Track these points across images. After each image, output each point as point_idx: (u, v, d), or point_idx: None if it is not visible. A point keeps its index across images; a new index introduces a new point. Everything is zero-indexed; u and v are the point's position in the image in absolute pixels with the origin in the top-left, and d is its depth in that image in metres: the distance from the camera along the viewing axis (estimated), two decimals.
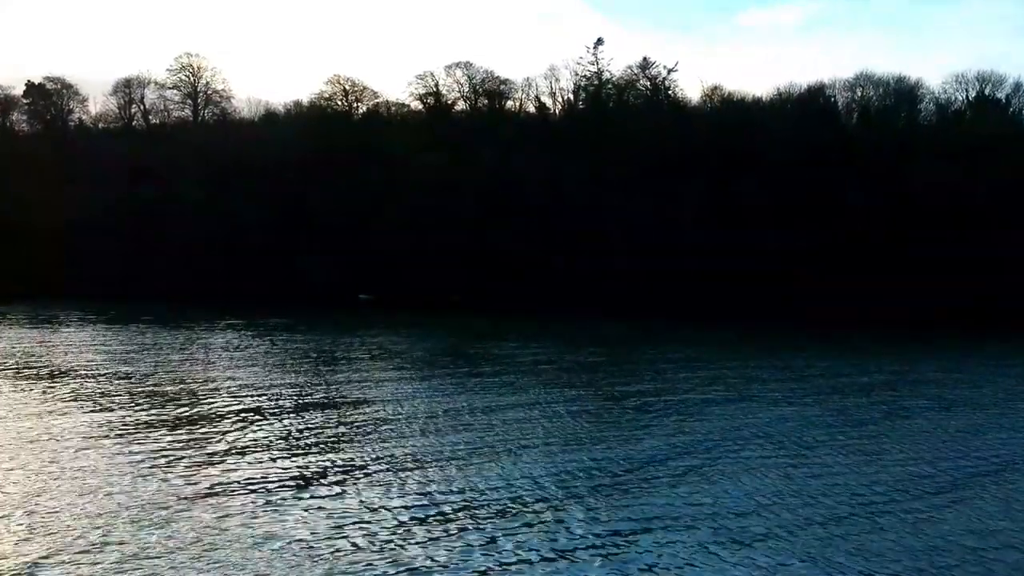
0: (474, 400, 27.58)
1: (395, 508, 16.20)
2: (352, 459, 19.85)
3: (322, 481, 17.91)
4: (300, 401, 27.36)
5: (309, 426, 23.41)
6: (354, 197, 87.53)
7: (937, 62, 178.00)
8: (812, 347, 51.62)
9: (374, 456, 20.10)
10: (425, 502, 16.61)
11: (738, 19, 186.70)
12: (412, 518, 15.63)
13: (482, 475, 18.53)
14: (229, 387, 29.68)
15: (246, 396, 27.93)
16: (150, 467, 18.44)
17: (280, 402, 26.93)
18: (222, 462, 19.09)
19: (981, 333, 64.13)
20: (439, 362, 38.97)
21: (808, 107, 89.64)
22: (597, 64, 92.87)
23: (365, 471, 18.77)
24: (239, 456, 19.73)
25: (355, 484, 17.72)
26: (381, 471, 18.79)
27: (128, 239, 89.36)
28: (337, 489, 17.33)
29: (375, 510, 16.07)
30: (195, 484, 17.20)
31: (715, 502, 16.99)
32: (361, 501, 16.52)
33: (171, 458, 19.25)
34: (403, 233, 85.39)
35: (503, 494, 17.17)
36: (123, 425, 22.65)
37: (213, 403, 26.40)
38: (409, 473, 18.62)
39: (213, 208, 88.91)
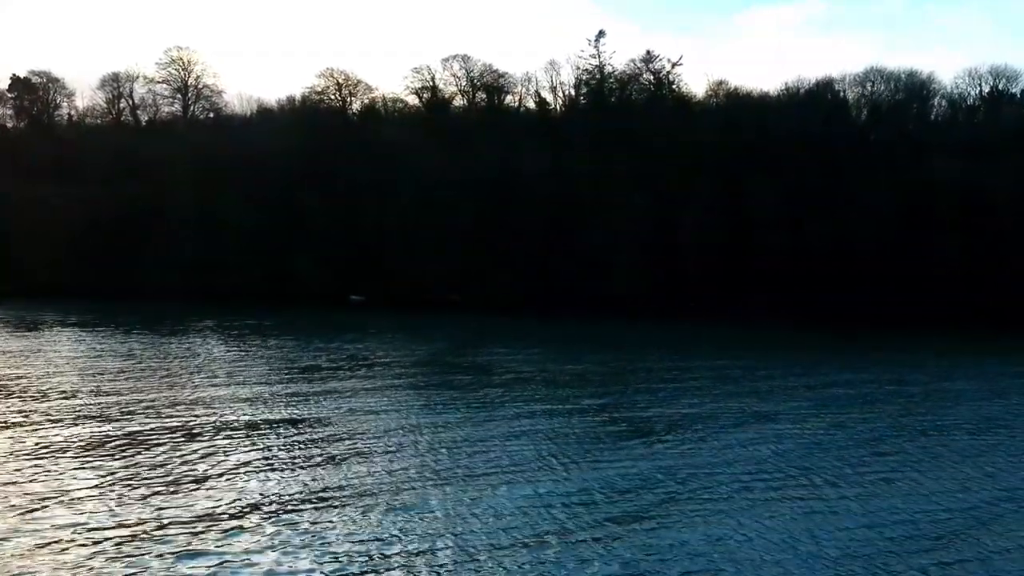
0: (466, 424, 24.24)
1: (349, 547, 13.36)
2: (306, 489, 16.97)
3: (269, 520, 15.04)
4: (266, 418, 24.40)
5: (273, 449, 20.47)
6: (347, 194, 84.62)
7: (948, 57, 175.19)
8: (829, 349, 48.76)
9: (338, 484, 17.22)
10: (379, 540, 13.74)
11: (742, 15, 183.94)
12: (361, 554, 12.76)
13: (460, 505, 15.67)
14: (194, 401, 26.76)
15: (203, 412, 24.98)
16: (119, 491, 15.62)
17: (240, 418, 23.98)
18: (168, 492, 16.25)
19: (998, 335, 61.36)
20: (426, 375, 36.03)
21: (818, 102, 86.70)
22: (599, 57, 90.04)
23: (328, 500, 15.90)
24: (182, 486, 16.87)
25: (308, 515, 14.86)
26: (349, 499, 15.92)
27: (114, 237, 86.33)
28: (282, 528, 14.47)
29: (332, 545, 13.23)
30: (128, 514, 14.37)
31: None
32: (315, 533, 13.68)
33: (112, 483, 16.42)
34: (398, 231, 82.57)
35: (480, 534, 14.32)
36: (88, 443, 19.79)
37: (170, 419, 23.49)
38: (368, 504, 15.77)
39: (202, 206, 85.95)
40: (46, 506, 15.27)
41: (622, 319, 67.73)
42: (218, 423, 22.99)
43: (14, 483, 16.62)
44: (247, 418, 23.84)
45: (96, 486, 16.59)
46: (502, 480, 17.76)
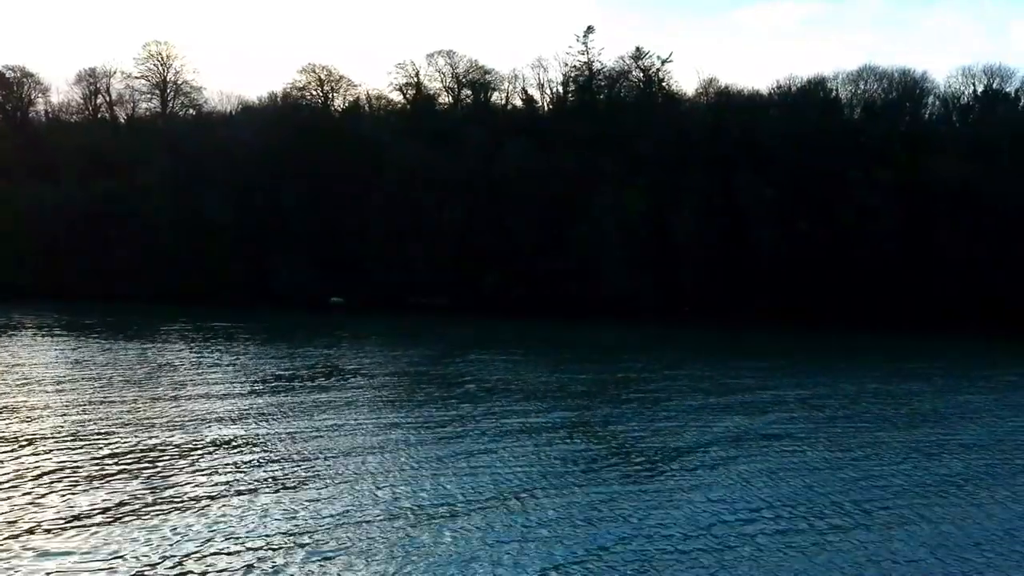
0: (446, 449, 22.01)
1: None
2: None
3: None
4: (222, 436, 22.21)
5: (229, 473, 18.29)
6: (327, 193, 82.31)
7: (941, 57, 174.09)
8: (828, 356, 46.90)
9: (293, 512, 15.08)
10: None
11: (733, 13, 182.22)
12: None
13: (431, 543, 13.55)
14: (153, 419, 24.50)
15: (161, 433, 22.75)
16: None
17: (200, 437, 21.78)
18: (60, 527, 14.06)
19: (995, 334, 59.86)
20: (396, 390, 33.88)
21: (811, 99, 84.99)
22: (587, 54, 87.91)
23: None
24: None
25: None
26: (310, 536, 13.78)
27: (85, 237, 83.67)
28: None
29: None
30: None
31: None
32: None
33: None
34: (381, 231, 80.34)
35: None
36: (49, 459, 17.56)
37: (124, 442, 21.23)
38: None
39: (177, 203, 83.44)
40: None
41: (613, 322, 65.74)
42: (175, 443, 20.75)
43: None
44: (208, 437, 21.60)
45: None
46: (478, 507, 15.67)
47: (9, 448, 19.94)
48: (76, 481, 17.27)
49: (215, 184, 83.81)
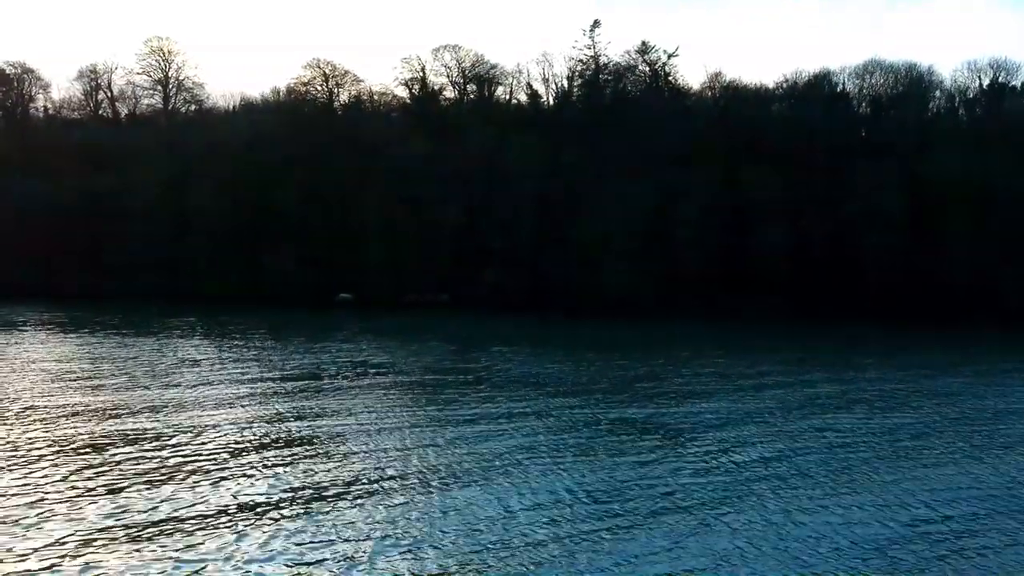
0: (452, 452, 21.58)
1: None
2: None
3: None
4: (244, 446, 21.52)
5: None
6: (330, 188, 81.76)
7: (947, 50, 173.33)
8: (839, 353, 46.44)
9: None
10: None
11: (737, 6, 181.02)
12: None
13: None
14: (163, 432, 23.85)
15: (178, 441, 22.12)
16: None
17: (225, 438, 21.14)
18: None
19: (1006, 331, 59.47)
20: (445, 388, 33.36)
21: (817, 93, 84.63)
22: (594, 48, 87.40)
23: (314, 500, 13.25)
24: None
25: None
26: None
27: (80, 234, 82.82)
28: None
29: None
30: None
31: None
32: None
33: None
34: (383, 227, 79.78)
35: None
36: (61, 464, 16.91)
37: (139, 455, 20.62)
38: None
39: (177, 200, 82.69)
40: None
41: (619, 318, 65.28)
42: (199, 451, 20.14)
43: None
44: (233, 439, 20.94)
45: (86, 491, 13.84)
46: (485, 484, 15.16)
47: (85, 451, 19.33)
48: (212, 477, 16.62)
49: (214, 180, 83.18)
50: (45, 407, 24.14)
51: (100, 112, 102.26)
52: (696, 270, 72.53)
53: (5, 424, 21.77)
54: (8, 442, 19.71)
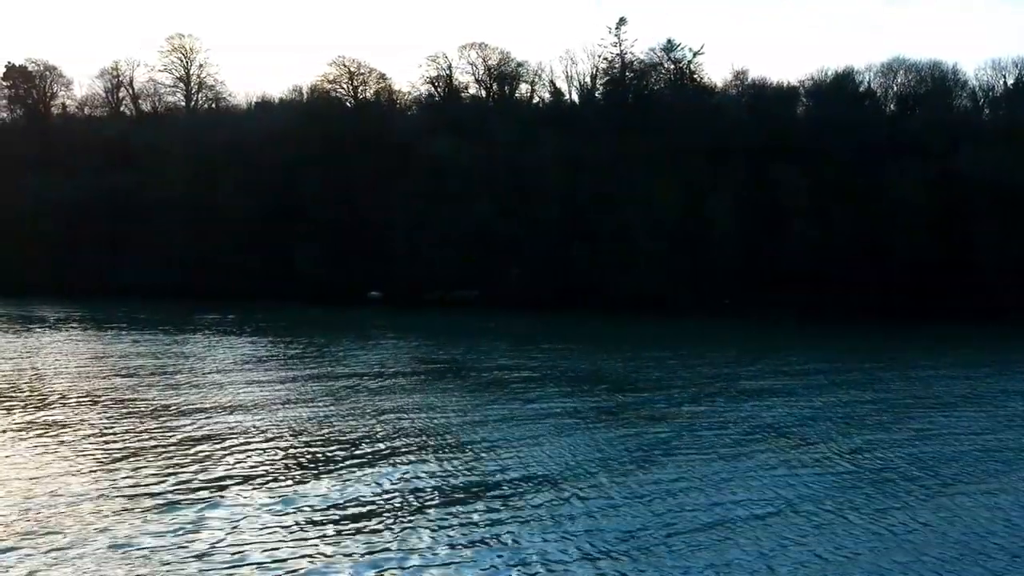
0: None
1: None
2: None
3: None
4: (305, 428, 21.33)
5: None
6: (353, 186, 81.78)
7: (971, 49, 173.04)
8: (880, 353, 46.35)
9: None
10: None
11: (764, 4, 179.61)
12: None
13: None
14: (207, 435, 23.69)
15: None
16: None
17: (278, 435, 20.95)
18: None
19: None
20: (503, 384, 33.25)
21: (843, 91, 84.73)
22: (620, 45, 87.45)
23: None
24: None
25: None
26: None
27: (102, 231, 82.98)
28: None
29: None
30: None
31: None
32: None
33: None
34: (410, 224, 79.84)
35: None
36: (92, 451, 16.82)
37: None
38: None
39: (200, 197, 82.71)
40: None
41: (654, 317, 65.20)
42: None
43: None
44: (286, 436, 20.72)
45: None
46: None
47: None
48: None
49: (236, 177, 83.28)
50: (140, 402, 24.12)
51: (122, 109, 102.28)
52: (728, 268, 72.59)
53: (91, 418, 21.71)
54: (104, 438, 19.63)
